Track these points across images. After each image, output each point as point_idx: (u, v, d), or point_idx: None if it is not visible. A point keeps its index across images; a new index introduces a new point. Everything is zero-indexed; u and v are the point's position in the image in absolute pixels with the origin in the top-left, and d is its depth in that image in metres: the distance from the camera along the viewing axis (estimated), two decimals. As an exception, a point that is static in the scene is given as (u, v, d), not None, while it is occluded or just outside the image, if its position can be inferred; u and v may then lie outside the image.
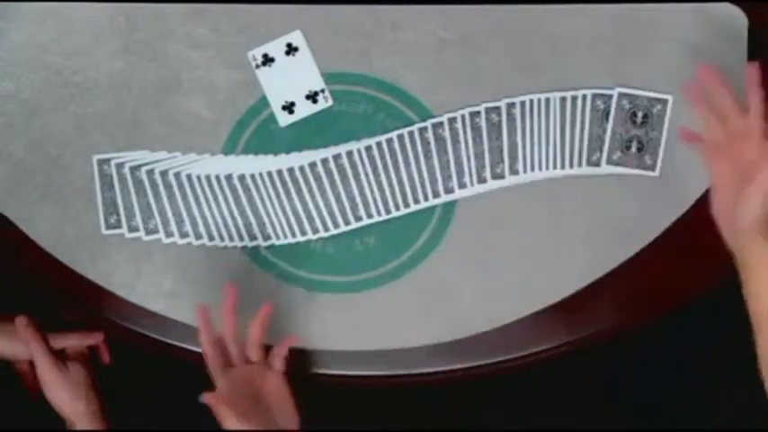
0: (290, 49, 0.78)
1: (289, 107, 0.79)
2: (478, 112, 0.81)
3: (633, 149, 0.81)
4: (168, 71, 0.81)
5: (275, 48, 0.79)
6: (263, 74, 0.79)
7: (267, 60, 0.78)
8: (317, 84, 0.80)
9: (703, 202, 0.80)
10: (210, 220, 0.82)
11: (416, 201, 0.82)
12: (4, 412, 0.86)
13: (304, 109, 0.80)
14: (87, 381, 0.80)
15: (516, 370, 0.82)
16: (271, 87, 0.79)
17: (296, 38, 0.79)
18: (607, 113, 0.81)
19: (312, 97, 0.80)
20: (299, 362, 0.82)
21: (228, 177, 0.81)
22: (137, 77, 0.81)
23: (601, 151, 0.81)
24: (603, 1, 0.80)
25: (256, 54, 0.77)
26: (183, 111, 0.81)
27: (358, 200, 0.82)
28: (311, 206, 0.82)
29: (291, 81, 0.80)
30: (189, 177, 0.82)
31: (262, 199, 0.82)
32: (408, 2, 0.80)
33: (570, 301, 0.81)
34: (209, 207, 0.82)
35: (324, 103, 0.80)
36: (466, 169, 0.81)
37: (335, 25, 0.80)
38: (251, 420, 0.71)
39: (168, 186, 0.82)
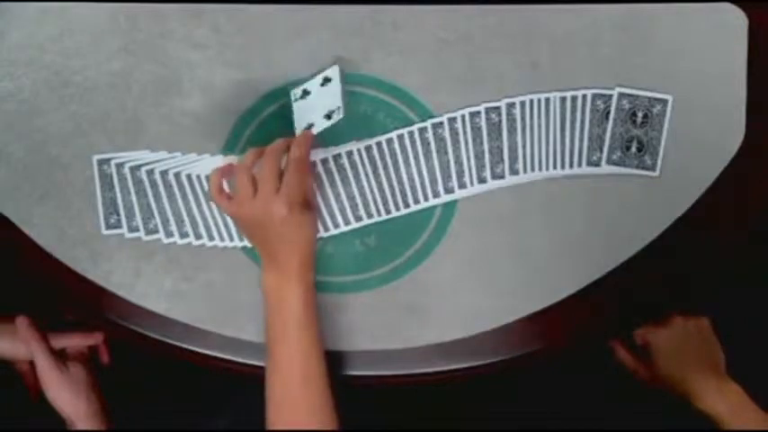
0: (325, 81, 0.78)
1: (308, 127, 0.79)
2: (478, 112, 0.81)
3: (633, 149, 0.81)
4: (168, 71, 0.81)
5: (314, 83, 0.77)
6: (299, 106, 0.77)
7: (305, 94, 0.77)
8: (336, 103, 0.79)
9: (703, 202, 0.80)
10: (210, 220, 0.82)
11: (416, 201, 0.82)
12: (4, 412, 0.86)
13: (320, 125, 0.79)
14: (87, 381, 0.81)
15: (516, 370, 0.82)
16: (300, 116, 0.78)
17: (333, 72, 0.78)
18: (607, 113, 0.81)
19: (329, 115, 0.79)
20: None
21: (228, 177, 0.81)
22: (137, 77, 0.81)
23: (601, 151, 0.81)
24: (603, 1, 0.80)
25: (297, 91, 0.76)
26: (183, 111, 0.81)
27: (358, 200, 0.82)
28: (311, 206, 0.82)
29: (318, 106, 0.79)
30: (189, 177, 0.82)
31: (262, 199, 0.81)
32: (408, 2, 0.80)
33: (570, 301, 0.81)
34: (209, 207, 0.82)
35: (337, 116, 0.80)
36: (466, 169, 0.81)
37: (335, 25, 0.80)
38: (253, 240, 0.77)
39: (168, 186, 0.82)
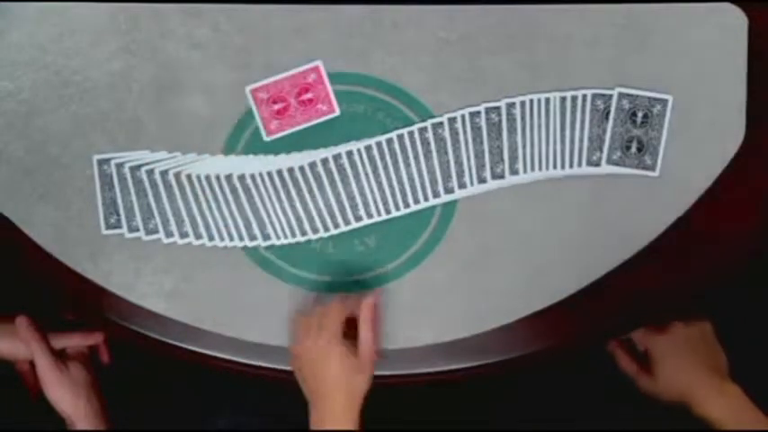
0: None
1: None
2: (478, 112, 0.81)
3: (633, 149, 0.81)
4: (168, 71, 0.81)
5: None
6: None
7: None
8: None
9: (703, 203, 0.80)
10: (210, 220, 0.82)
11: (416, 201, 0.82)
12: (4, 412, 0.86)
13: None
14: (87, 381, 0.80)
15: (516, 370, 0.82)
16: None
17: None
18: (607, 113, 0.81)
19: None
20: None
21: (228, 177, 0.81)
22: (137, 77, 0.81)
23: (601, 151, 0.81)
24: (603, 1, 0.80)
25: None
26: (183, 111, 0.81)
27: (358, 200, 0.82)
28: (311, 206, 0.82)
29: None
30: (189, 177, 0.82)
31: (262, 199, 0.82)
32: (408, 2, 0.80)
33: (570, 301, 0.81)
34: (209, 207, 0.82)
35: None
36: (466, 169, 0.81)
37: (335, 25, 0.80)
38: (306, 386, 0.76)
39: (168, 186, 0.82)
